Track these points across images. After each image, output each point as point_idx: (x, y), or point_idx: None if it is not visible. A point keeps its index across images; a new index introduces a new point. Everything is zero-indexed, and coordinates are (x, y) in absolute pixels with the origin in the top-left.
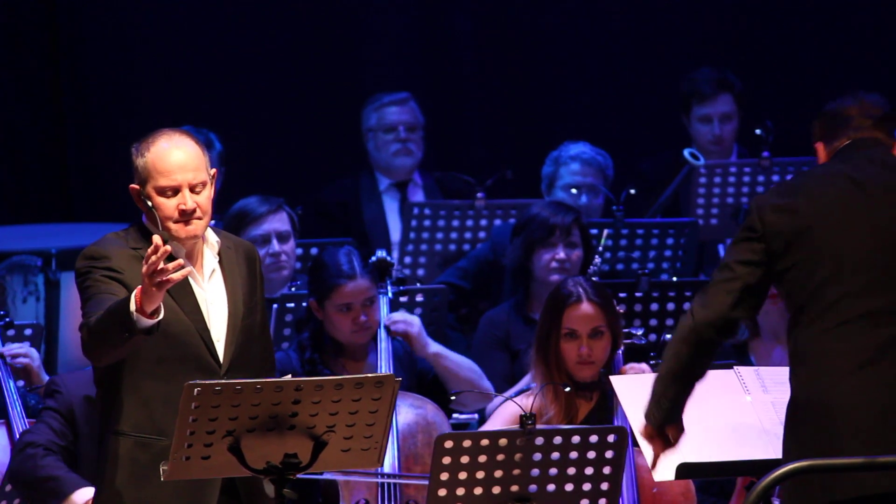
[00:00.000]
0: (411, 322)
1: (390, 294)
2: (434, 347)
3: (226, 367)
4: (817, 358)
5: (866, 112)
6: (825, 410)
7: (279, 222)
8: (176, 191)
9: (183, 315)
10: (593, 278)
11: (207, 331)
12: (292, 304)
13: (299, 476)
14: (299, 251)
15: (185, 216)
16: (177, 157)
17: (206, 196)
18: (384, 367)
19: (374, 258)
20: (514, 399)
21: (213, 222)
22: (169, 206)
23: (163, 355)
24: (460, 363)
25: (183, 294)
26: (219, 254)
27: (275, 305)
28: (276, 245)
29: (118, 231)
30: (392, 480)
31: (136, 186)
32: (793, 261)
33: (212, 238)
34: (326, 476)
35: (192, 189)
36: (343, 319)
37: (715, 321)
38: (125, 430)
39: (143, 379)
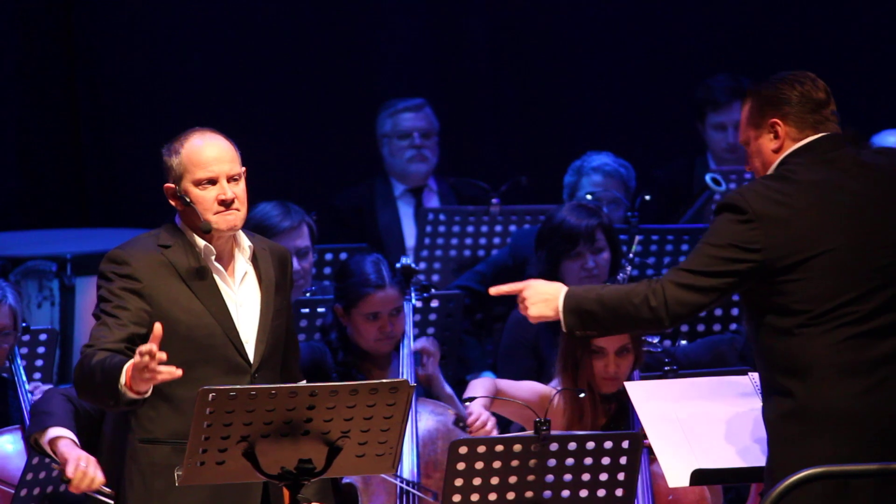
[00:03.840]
0: (436, 355)
1: (414, 301)
2: (449, 390)
3: (256, 365)
4: (826, 368)
5: (832, 103)
6: (844, 421)
7: (299, 238)
8: (213, 181)
9: (209, 317)
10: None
11: (235, 330)
12: (307, 310)
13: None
14: (314, 257)
15: (224, 205)
16: (212, 150)
17: (242, 188)
18: (406, 375)
19: (398, 265)
20: (529, 386)
21: None
22: (208, 197)
23: (191, 359)
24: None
25: (210, 296)
26: (253, 255)
27: None
28: (295, 263)
29: (152, 231)
30: (412, 490)
31: (172, 185)
32: (803, 276)
33: (244, 242)
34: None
35: (230, 180)
36: (369, 328)
37: (682, 319)
38: (161, 438)
39: (173, 386)
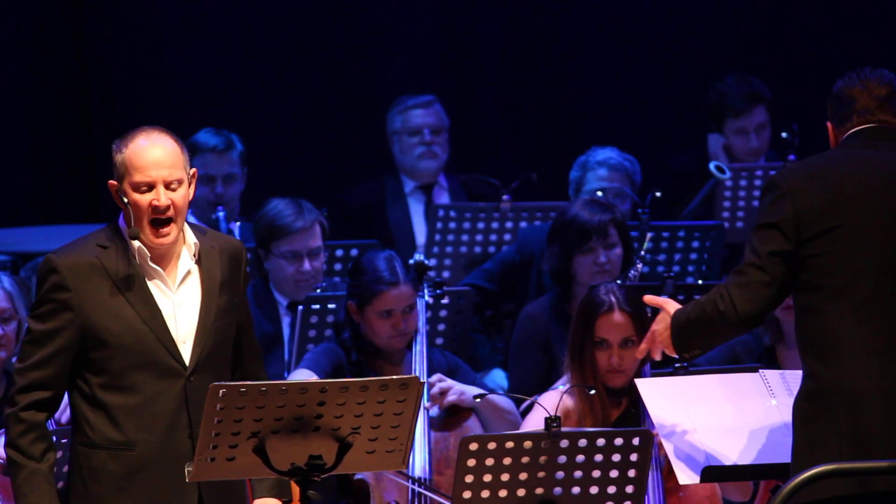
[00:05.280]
0: (457, 393)
1: (428, 298)
2: (475, 390)
3: (191, 368)
4: (845, 346)
5: (871, 94)
6: (861, 400)
7: (311, 239)
8: (150, 187)
9: (140, 323)
10: (635, 281)
11: (168, 334)
12: (317, 306)
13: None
14: (325, 255)
15: (158, 212)
16: (153, 154)
17: (181, 195)
18: (419, 371)
19: (411, 261)
20: (545, 398)
21: (237, 223)
22: (143, 201)
23: (122, 367)
24: (501, 401)
25: (141, 300)
26: (198, 254)
27: (300, 307)
28: (306, 264)
29: (99, 228)
30: (423, 491)
31: (115, 183)
32: (825, 249)
33: (190, 239)
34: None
35: (168, 186)
36: (383, 325)
37: (756, 316)
38: (97, 443)
39: (106, 393)
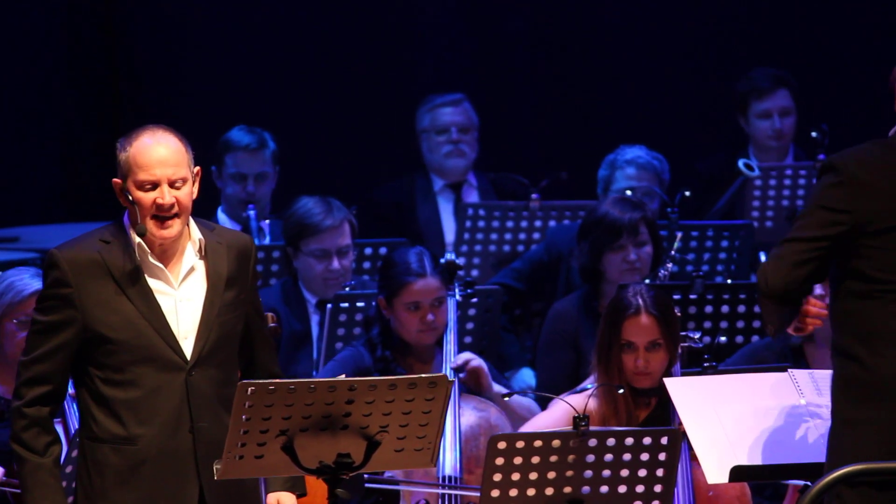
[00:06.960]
0: (481, 362)
1: (458, 297)
2: (497, 387)
3: (192, 362)
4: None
5: None
6: None
7: (340, 237)
8: (155, 185)
9: (139, 318)
10: (665, 281)
11: (167, 328)
12: (346, 305)
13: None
14: (354, 253)
15: (162, 210)
16: (158, 153)
17: (185, 193)
18: (448, 369)
19: (443, 260)
20: (569, 399)
21: (267, 221)
22: (147, 200)
23: (123, 361)
24: (521, 402)
25: (141, 296)
26: (203, 250)
27: (329, 305)
28: (335, 262)
29: (104, 225)
30: (452, 492)
31: (119, 181)
32: (888, 245)
33: (195, 235)
34: (388, 484)
35: (172, 185)
36: (410, 318)
37: (784, 291)
38: (101, 437)
39: (108, 387)
